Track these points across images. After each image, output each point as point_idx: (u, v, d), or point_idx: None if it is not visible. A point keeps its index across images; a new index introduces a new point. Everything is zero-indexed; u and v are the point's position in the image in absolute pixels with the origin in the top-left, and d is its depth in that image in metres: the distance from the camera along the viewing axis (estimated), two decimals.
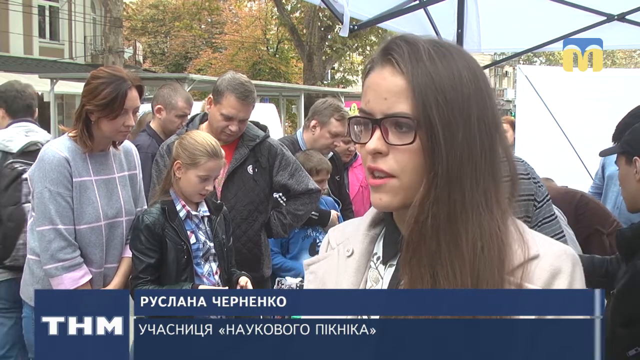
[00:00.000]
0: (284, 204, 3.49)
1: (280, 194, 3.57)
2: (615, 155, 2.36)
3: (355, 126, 1.09)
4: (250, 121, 3.44)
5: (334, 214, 3.89)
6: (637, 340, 1.92)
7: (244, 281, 2.89)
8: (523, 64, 16.45)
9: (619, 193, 5.23)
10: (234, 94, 3.18)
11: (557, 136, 6.18)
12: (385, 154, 1.03)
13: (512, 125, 6.59)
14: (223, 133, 3.21)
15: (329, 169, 3.82)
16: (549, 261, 1.00)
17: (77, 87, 18.14)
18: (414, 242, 1.02)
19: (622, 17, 4.54)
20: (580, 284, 1.00)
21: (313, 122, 4.01)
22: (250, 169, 3.32)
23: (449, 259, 0.99)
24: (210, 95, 3.31)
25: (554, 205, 2.91)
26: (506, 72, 50.24)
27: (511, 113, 21.29)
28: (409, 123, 1.01)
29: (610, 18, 4.55)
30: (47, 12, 24.80)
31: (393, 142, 1.02)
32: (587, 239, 3.17)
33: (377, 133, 1.03)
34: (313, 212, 3.84)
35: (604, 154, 2.60)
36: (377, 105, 1.03)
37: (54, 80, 17.99)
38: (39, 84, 18.67)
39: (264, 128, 3.49)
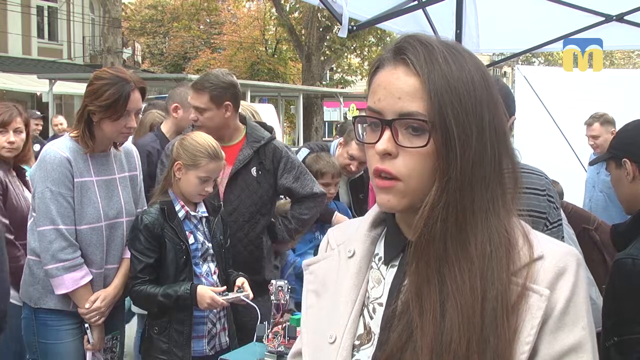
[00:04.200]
0: (289, 209, 3.46)
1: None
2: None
3: (360, 125, 1.07)
4: (257, 122, 3.44)
5: (338, 215, 3.88)
6: (614, 332, 1.98)
7: (241, 281, 2.90)
8: (522, 64, 16.47)
9: (591, 198, 5.34)
10: (191, 86, 3.32)
11: (555, 136, 6.20)
12: (394, 156, 1.01)
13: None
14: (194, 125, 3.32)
15: (334, 173, 3.80)
16: (554, 262, 0.99)
17: (75, 88, 18.17)
18: (422, 245, 1.01)
19: (620, 18, 4.53)
20: (583, 284, 1.00)
21: (340, 140, 4.03)
22: (254, 170, 3.29)
23: (456, 263, 0.98)
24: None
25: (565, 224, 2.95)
26: (505, 72, 50.26)
27: None
28: (423, 125, 0.98)
29: (608, 19, 4.55)
30: (45, 13, 24.77)
31: (403, 144, 1.00)
32: (578, 236, 3.26)
33: (387, 133, 1.00)
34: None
35: (592, 163, 2.62)
36: (389, 105, 1.01)
37: (53, 81, 18.01)
38: (37, 85, 18.74)
39: (270, 130, 3.45)
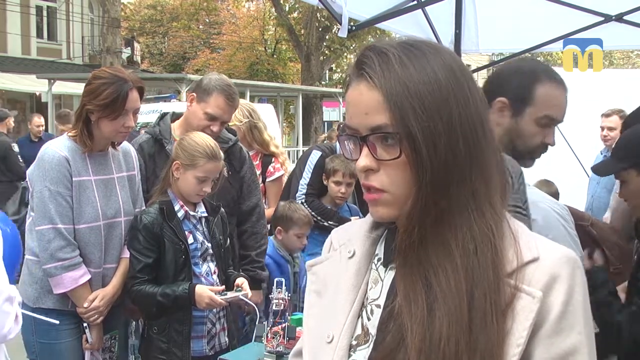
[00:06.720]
0: (252, 253, 3.41)
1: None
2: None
3: (345, 142, 1.08)
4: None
5: (354, 219, 3.89)
6: None
7: (241, 281, 2.90)
8: None
9: (593, 195, 5.28)
10: (223, 95, 3.16)
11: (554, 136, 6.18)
12: (376, 170, 1.02)
13: None
14: (203, 133, 3.17)
15: (344, 172, 3.82)
16: (549, 264, 0.98)
17: (74, 88, 18.16)
18: (404, 252, 1.02)
19: (619, 18, 4.54)
20: (580, 287, 0.98)
21: None
22: (224, 170, 3.28)
23: (439, 265, 0.98)
24: (193, 93, 3.25)
25: (563, 222, 2.94)
26: None
27: None
28: (394, 136, 0.99)
29: (607, 18, 4.55)
30: (44, 13, 24.76)
31: (382, 158, 1.01)
32: None
33: (365, 150, 1.02)
34: (332, 222, 3.85)
35: (604, 173, 2.56)
36: (360, 122, 1.02)
37: (52, 81, 18.02)
38: (36, 84, 18.74)
39: (234, 132, 3.51)
